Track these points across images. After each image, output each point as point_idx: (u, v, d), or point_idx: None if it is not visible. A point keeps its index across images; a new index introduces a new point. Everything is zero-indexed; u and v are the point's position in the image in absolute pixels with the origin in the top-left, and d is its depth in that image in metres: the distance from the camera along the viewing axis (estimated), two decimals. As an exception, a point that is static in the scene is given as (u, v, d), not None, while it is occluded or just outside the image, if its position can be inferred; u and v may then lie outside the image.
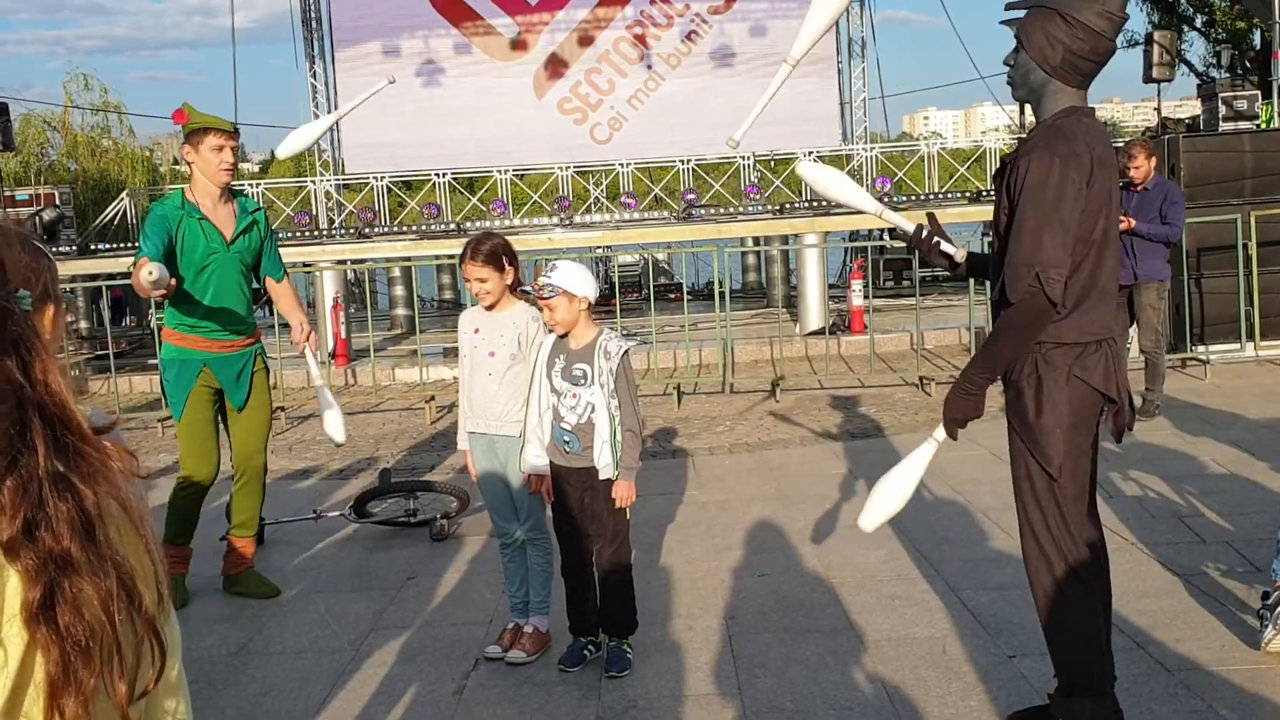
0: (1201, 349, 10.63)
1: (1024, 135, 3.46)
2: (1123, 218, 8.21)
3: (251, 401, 5.51)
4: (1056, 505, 3.44)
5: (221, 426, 5.66)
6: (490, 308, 4.64)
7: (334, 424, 5.48)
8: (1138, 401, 8.46)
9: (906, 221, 3.91)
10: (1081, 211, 3.29)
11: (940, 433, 3.57)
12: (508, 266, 4.58)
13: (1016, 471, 3.54)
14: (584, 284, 4.34)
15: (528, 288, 4.45)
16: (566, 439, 4.43)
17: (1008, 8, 3.54)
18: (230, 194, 5.43)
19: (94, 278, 14.44)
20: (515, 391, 4.60)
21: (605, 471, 4.37)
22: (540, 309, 4.46)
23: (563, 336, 4.42)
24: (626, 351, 4.39)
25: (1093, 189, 3.30)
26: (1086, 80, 3.43)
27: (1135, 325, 8.66)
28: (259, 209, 5.62)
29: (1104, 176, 3.34)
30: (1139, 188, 8.47)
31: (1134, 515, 6.10)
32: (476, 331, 4.68)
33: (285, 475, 8.55)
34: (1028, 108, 3.58)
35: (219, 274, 5.34)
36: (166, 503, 5.59)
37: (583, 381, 4.37)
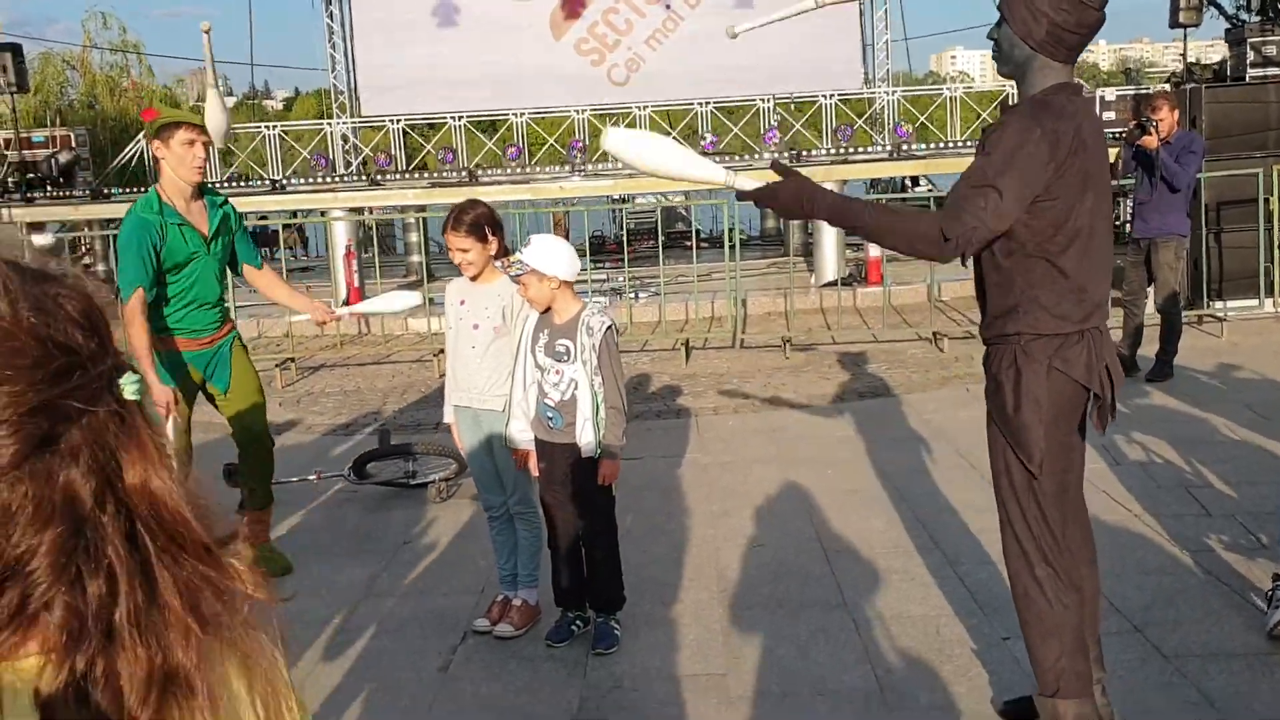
0: (1219, 305, 10.43)
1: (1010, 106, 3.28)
2: (1145, 137, 8.07)
3: (236, 379, 5.45)
4: (1036, 502, 3.33)
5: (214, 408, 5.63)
6: (474, 279, 4.54)
7: (399, 301, 5.65)
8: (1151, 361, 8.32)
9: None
10: (1044, 189, 3.10)
11: (736, 180, 3.53)
12: (491, 237, 4.47)
13: (995, 466, 3.43)
14: (555, 262, 4.19)
15: (499, 264, 4.34)
16: (550, 415, 4.34)
17: None
18: (199, 189, 5.29)
19: (108, 223, 14.36)
20: (499, 365, 4.52)
21: (587, 450, 4.29)
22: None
23: (545, 312, 4.32)
24: (610, 328, 4.28)
25: (1065, 174, 3.12)
26: (1073, 54, 3.25)
27: (1153, 284, 8.49)
28: (225, 201, 5.47)
29: (1083, 161, 3.16)
30: (1163, 139, 8.26)
31: (1139, 484, 5.99)
32: (462, 303, 4.59)
33: (290, 428, 8.50)
34: None
35: (200, 276, 5.24)
36: None
37: (566, 358, 4.27)
